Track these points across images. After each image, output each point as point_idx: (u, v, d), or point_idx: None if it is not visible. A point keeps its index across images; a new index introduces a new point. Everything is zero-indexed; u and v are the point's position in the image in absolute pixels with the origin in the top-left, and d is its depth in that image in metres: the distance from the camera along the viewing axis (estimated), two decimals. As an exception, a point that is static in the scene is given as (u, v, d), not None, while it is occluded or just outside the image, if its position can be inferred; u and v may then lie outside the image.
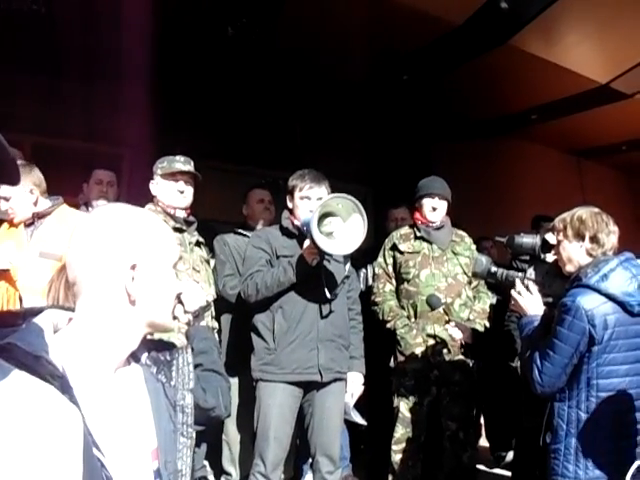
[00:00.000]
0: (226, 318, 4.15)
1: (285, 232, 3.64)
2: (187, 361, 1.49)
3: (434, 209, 4.22)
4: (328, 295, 3.47)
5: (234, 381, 3.96)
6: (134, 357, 1.38)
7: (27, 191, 3.59)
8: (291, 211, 3.68)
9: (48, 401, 1.04)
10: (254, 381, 3.52)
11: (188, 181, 3.72)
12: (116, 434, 1.22)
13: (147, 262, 1.30)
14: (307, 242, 3.38)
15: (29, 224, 3.60)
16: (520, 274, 3.06)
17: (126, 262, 1.27)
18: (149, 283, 1.30)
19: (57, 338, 1.21)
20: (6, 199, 3.60)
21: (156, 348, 1.47)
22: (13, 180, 1.05)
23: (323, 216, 3.26)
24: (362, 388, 3.75)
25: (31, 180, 3.61)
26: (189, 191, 3.73)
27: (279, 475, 3.50)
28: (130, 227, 1.31)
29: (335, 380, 3.52)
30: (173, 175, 3.67)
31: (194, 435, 1.43)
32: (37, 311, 1.24)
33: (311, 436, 3.53)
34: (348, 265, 3.53)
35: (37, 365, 1.07)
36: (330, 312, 3.52)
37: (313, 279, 3.44)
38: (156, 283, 1.32)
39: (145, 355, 1.42)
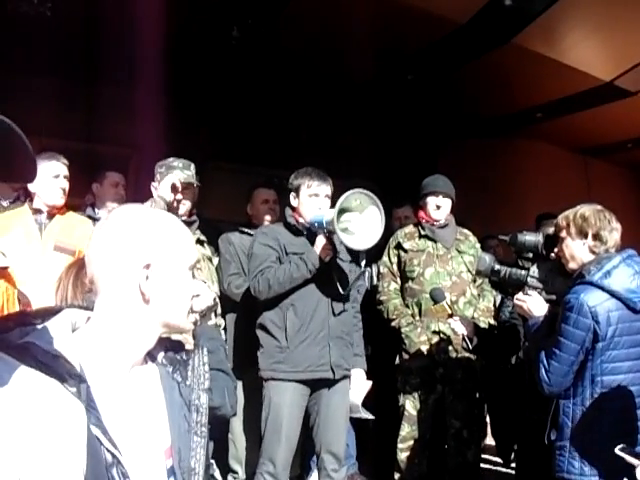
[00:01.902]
0: (231, 317, 4.16)
1: (291, 229, 3.65)
2: (203, 361, 1.51)
3: (438, 207, 4.23)
4: (341, 291, 3.49)
5: (240, 380, 3.99)
6: (151, 356, 1.39)
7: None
8: (293, 209, 3.69)
9: (50, 395, 1.07)
10: (264, 380, 3.52)
11: (186, 188, 3.72)
12: (131, 432, 1.24)
13: (162, 262, 1.31)
14: (320, 239, 3.40)
15: (38, 216, 3.62)
16: (523, 272, 3.07)
17: (140, 261, 1.29)
18: (164, 283, 1.31)
19: (75, 337, 1.24)
20: (67, 179, 3.68)
21: (173, 348, 1.48)
22: (28, 178, 1.08)
23: (341, 212, 3.26)
24: (369, 383, 3.78)
25: None
26: (187, 199, 3.74)
27: (287, 475, 3.52)
28: (145, 227, 1.32)
29: (342, 378, 3.54)
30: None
31: (207, 434, 1.44)
32: (56, 310, 1.27)
33: (317, 434, 3.54)
34: (364, 262, 3.52)
35: (55, 364, 1.11)
36: (343, 310, 3.55)
37: (324, 276, 3.46)
38: (171, 284, 1.33)
39: (162, 354, 1.43)
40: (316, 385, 3.50)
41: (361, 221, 3.30)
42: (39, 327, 1.19)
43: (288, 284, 3.43)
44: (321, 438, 3.52)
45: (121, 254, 1.29)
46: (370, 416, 3.78)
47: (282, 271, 3.43)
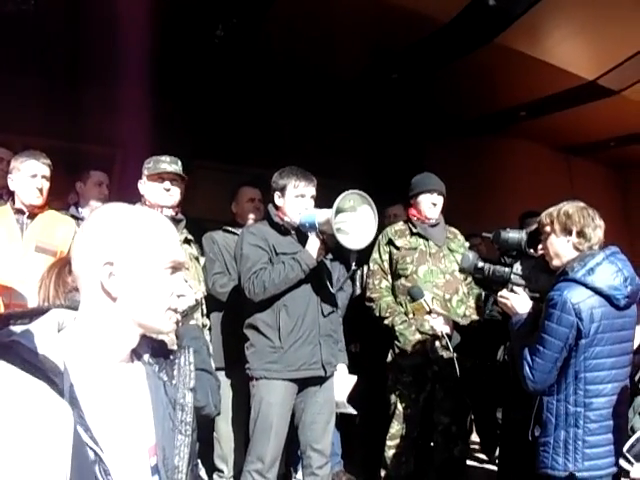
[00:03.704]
0: (216, 316, 4.13)
1: (278, 229, 3.65)
2: (189, 360, 1.50)
3: (434, 205, 4.24)
4: (332, 290, 3.52)
5: (226, 379, 3.99)
6: (137, 354, 1.39)
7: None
8: (277, 207, 3.68)
9: (37, 396, 1.08)
10: (255, 379, 3.51)
11: (174, 180, 3.74)
12: (115, 429, 1.24)
13: (128, 260, 1.29)
14: (314, 239, 3.41)
15: (19, 216, 3.56)
16: (507, 269, 3.08)
17: (100, 258, 1.27)
18: (131, 282, 1.29)
19: (61, 336, 1.24)
20: (47, 179, 3.61)
21: (159, 347, 1.48)
22: None
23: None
24: (354, 378, 3.81)
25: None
26: (175, 190, 3.75)
27: (275, 473, 3.52)
28: (110, 224, 1.30)
29: (331, 375, 3.58)
30: (159, 175, 3.70)
31: (193, 433, 1.44)
32: (44, 310, 1.28)
33: (302, 431, 3.56)
34: (354, 262, 3.53)
35: (40, 362, 1.12)
36: (332, 311, 3.58)
37: (314, 276, 3.49)
38: (139, 282, 1.30)
39: (148, 353, 1.43)
40: (305, 383, 3.52)
41: (354, 221, 3.32)
42: (26, 327, 1.20)
43: (283, 285, 3.43)
44: (307, 436, 3.55)
45: (85, 251, 1.29)
46: (354, 411, 3.81)
47: (277, 272, 3.42)
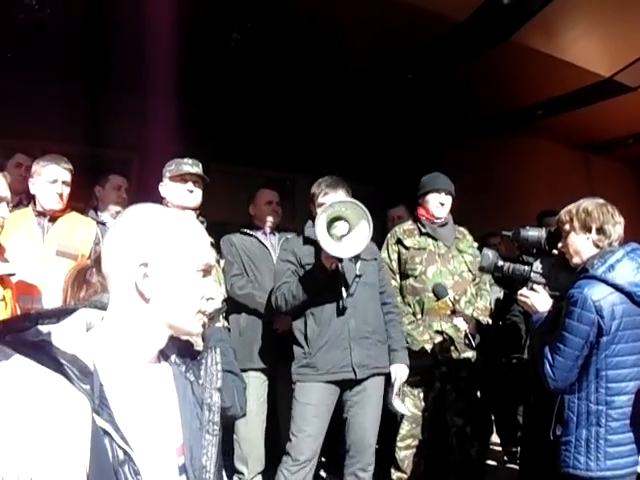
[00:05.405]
0: (234, 318, 4.17)
1: (308, 241, 3.68)
2: (215, 361, 1.51)
3: (442, 204, 4.22)
4: (344, 294, 3.52)
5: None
6: (164, 355, 1.41)
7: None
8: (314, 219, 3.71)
9: (52, 390, 1.09)
10: (292, 383, 3.59)
11: (196, 182, 3.78)
12: (143, 429, 1.26)
13: (162, 261, 1.31)
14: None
15: (41, 219, 3.57)
16: (527, 267, 3.07)
17: (136, 259, 1.29)
18: (164, 283, 1.31)
19: (89, 336, 1.26)
20: (68, 185, 3.63)
21: (186, 347, 1.50)
22: None
23: (335, 219, 3.32)
24: (404, 378, 3.78)
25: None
26: (198, 191, 3.78)
27: (308, 474, 3.54)
28: (145, 225, 1.32)
29: (372, 376, 3.57)
30: (181, 177, 3.72)
31: (220, 433, 1.45)
32: (71, 310, 1.30)
33: (347, 433, 3.59)
34: (358, 264, 3.54)
35: (69, 362, 1.13)
36: (344, 309, 3.56)
37: (334, 282, 3.50)
38: (172, 284, 1.32)
39: (175, 354, 1.44)
40: (342, 385, 3.55)
41: (353, 231, 3.36)
42: (55, 326, 1.21)
43: (302, 296, 3.49)
44: (351, 437, 3.57)
45: (119, 252, 1.31)
46: (405, 411, 3.82)
47: (295, 285, 3.50)
